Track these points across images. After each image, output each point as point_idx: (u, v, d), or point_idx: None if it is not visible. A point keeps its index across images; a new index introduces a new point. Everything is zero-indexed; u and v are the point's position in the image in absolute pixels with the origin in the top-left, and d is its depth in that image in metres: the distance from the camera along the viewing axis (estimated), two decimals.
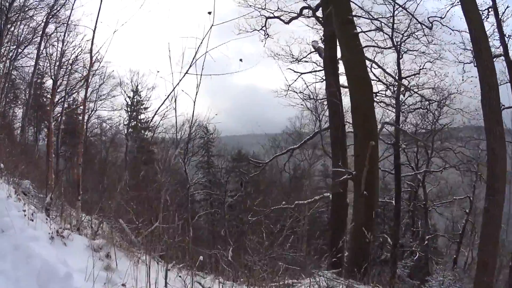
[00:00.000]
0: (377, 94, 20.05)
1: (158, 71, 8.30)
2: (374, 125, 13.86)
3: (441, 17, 17.10)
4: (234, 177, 40.65)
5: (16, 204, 8.36)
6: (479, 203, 25.93)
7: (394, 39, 19.23)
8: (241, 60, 8.59)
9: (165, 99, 8.80)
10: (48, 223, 7.87)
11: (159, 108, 11.00)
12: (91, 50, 10.45)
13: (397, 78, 20.02)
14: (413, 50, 19.81)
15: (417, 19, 17.84)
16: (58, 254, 6.48)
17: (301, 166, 40.22)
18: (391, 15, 18.72)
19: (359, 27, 16.93)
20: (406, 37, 19.28)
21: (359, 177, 12.47)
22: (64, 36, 31.17)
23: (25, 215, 7.71)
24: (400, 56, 20.13)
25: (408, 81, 21.17)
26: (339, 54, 17.59)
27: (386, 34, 18.90)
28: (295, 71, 21.16)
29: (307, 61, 21.50)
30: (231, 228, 35.61)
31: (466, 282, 16.62)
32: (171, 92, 8.16)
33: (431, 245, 27.96)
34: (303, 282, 8.81)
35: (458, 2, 12.96)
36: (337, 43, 16.93)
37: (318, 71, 21.07)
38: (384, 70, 19.23)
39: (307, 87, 21.66)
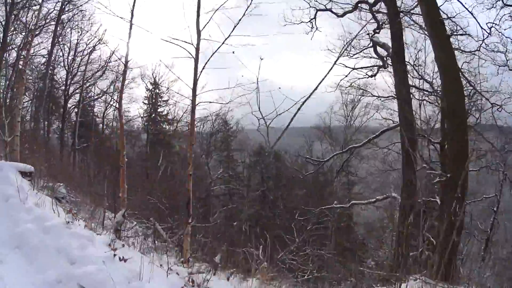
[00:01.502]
0: None
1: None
2: (467, 128, 12.83)
3: None
4: (255, 171, 37.60)
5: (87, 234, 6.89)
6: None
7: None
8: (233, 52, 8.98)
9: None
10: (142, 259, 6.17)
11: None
12: (126, 62, 9.48)
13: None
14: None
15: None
16: None
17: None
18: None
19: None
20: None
21: (452, 180, 11.42)
22: (79, 24, 28.53)
23: (114, 255, 6.08)
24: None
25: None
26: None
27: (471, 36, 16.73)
28: (346, 66, 20.14)
29: (358, 57, 20.48)
30: (253, 223, 32.58)
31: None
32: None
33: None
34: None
35: None
36: (403, 41, 16.57)
37: (371, 66, 20.38)
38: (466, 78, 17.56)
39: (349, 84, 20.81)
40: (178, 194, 28.65)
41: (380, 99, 21.80)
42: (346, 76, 20.56)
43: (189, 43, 9.01)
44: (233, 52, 9.29)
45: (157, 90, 37.01)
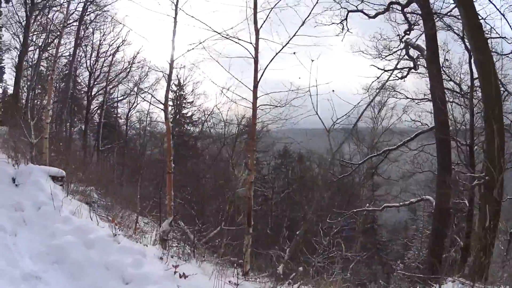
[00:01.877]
0: None
1: None
2: (504, 131, 12.56)
3: None
4: (279, 173, 36.67)
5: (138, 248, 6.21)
6: None
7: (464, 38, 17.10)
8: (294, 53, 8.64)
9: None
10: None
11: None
12: (171, 61, 8.92)
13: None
14: None
15: None
16: None
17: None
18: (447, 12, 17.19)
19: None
20: None
21: (491, 182, 11.23)
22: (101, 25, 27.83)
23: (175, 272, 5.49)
24: None
25: None
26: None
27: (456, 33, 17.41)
28: (379, 68, 19.91)
29: (388, 59, 20.23)
30: (279, 225, 31.82)
31: None
32: None
33: None
34: None
35: None
36: (437, 43, 16.66)
37: (402, 68, 20.08)
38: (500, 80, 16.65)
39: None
40: (207, 197, 27.88)
41: (413, 101, 21.12)
42: (378, 78, 20.34)
43: (249, 42, 8.35)
44: (294, 53, 8.77)
45: (182, 92, 36.13)
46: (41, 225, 6.98)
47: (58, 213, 7.26)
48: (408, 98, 20.68)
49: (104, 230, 6.71)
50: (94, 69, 30.75)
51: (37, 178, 9.38)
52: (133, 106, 34.76)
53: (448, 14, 16.83)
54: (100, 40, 30.04)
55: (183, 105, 36.41)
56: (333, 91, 12.28)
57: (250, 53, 8.33)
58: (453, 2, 16.01)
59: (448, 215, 16.59)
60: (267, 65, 8.41)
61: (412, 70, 19.84)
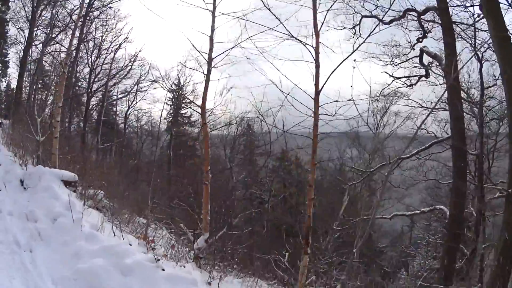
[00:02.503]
0: None
1: None
2: None
3: None
4: (276, 176, 35.81)
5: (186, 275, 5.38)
6: None
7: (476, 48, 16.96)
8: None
9: None
10: None
11: None
12: (210, 59, 8.30)
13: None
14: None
15: None
16: None
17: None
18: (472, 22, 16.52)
19: None
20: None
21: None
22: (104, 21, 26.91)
23: None
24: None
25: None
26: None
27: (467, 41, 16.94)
28: (390, 75, 19.25)
29: (400, 66, 19.52)
30: (276, 228, 31.08)
31: None
32: None
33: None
34: None
35: None
36: (456, 53, 15.53)
37: (413, 76, 19.57)
38: None
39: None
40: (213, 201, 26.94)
41: (426, 110, 19.73)
42: (389, 85, 19.44)
43: (309, 45, 7.46)
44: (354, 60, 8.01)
45: (181, 92, 35.07)
46: (60, 242, 6.10)
47: (78, 228, 6.38)
48: (422, 106, 19.71)
49: (138, 250, 5.81)
50: (95, 66, 29.71)
51: (48, 183, 8.51)
52: (132, 105, 33.70)
53: (472, 25, 16.45)
54: (102, 37, 29.00)
55: (182, 104, 35.35)
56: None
57: (313, 56, 7.42)
58: (478, 13, 15.69)
59: (462, 225, 16.24)
60: (332, 72, 7.45)
61: (423, 78, 19.29)
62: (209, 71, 8.20)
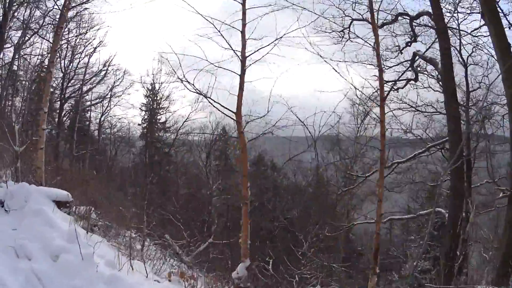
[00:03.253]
0: None
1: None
2: None
3: None
4: (253, 182, 34.36)
5: None
6: None
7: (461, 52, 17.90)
8: None
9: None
10: None
11: None
12: (243, 58, 7.38)
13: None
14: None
15: None
16: None
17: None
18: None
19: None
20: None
21: None
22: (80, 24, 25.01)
23: None
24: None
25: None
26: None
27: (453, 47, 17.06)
28: (386, 81, 18.13)
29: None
30: (253, 234, 29.47)
31: None
32: None
33: None
34: None
35: None
36: (451, 58, 15.63)
37: (403, 79, 19.18)
38: None
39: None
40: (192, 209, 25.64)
41: (420, 113, 20.23)
42: (388, 92, 18.30)
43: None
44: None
45: (155, 97, 33.29)
46: None
47: (91, 267, 4.80)
48: (418, 110, 19.67)
49: None
50: (68, 70, 27.60)
51: (38, 205, 6.86)
52: (105, 111, 31.70)
53: (473, 32, 16.99)
54: (75, 40, 26.95)
55: (157, 110, 33.49)
56: None
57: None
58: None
59: (459, 226, 15.66)
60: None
61: (412, 82, 19.04)
62: (243, 71, 6.83)
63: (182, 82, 7.53)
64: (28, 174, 11.08)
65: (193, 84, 7.48)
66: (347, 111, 30.48)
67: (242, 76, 7.08)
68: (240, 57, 7.17)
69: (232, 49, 7.06)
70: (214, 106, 7.42)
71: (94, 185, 14.96)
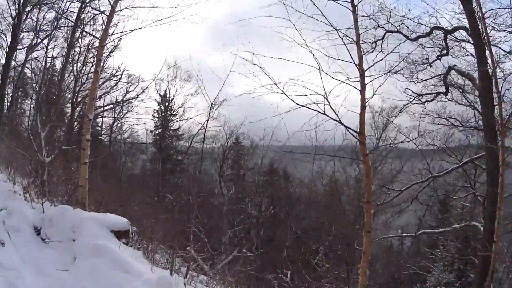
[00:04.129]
0: None
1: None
2: None
3: None
4: (265, 191, 32.89)
5: None
6: None
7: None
8: None
9: None
10: None
11: None
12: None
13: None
14: None
15: None
16: None
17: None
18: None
19: None
20: None
21: None
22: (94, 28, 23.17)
23: None
24: None
25: None
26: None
27: None
28: (413, 92, 17.53)
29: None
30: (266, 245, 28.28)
31: None
32: None
33: None
34: None
35: None
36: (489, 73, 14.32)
37: (434, 93, 17.79)
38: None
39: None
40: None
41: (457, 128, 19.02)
42: (411, 101, 17.76)
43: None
44: None
45: (168, 104, 31.49)
46: None
47: None
48: (454, 125, 18.53)
49: None
50: (81, 75, 25.69)
51: (96, 238, 5.18)
52: (118, 117, 29.87)
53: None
54: (88, 44, 25.06)
55: (169, 117, 31.67)
56: None
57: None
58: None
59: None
60: None
61: (442, 96, 17.91)
62: (363, 87, 5.34)
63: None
64: (55, 190, 9.29)
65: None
66: (367, 122, 29.38)
67: (362, 91, 5.63)
68: (359, 70, 5.92)
69: (353, 62, 5.77)
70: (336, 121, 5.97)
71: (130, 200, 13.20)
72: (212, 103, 27.66)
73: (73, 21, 21.39)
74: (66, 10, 21.34)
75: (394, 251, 31.70)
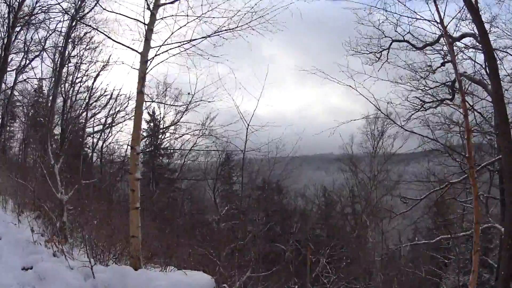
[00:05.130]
0: None
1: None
2: None
3: None
4: (259, 206, 31.85)
5: None
6: None
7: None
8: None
9: None
10: None
11: None
12: None
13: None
14: None
15: None
16: None
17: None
18: None
19: None
20: None
21: None
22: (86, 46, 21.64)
23: None
24: None
25: None
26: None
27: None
28: (421, 99, 18.06)
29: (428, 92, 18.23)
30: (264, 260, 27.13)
31: None
32: None
33: None
34: None
35: None
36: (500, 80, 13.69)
37: (439, 100, 18.16)
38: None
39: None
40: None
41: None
42: (419, 109, 18.20)
43: None
44: None
45: (157, 122, 30.01)
46: None
47: None
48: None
49: None
50: (69, 95, 24.01)
51: None
52: (107, 137, 28.22)
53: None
54: (77, 63, 23.31)
55: (160, 135, 30.15)
56: None
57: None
58: None
59: None
60: None
61: (447, 101, 18.12)
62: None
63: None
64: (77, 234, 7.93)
65: None
66: (360, 130, 28.99)
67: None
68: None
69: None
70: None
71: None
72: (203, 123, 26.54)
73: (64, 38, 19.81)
74: (54, 30, 19.89)
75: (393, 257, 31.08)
